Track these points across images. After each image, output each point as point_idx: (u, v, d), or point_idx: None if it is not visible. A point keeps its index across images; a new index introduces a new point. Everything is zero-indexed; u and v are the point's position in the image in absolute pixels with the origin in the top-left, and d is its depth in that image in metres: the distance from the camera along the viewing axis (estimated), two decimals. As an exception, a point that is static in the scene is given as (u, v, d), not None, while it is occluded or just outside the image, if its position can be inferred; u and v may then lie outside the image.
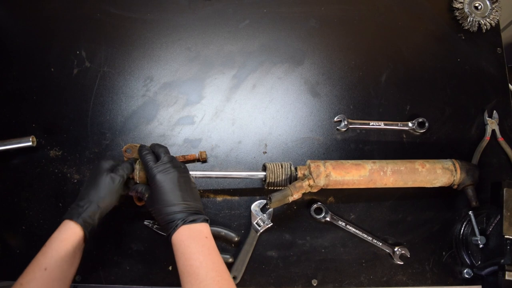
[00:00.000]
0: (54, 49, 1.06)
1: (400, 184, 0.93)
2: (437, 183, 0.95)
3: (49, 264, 0.69)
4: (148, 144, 0.87)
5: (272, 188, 0.92)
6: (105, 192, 0.77)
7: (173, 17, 1.11)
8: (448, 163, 0.95)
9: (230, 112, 1.05)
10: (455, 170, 0.94)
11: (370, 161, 0.93)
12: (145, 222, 0.94)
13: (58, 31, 1.08)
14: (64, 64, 1.05)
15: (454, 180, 0.94)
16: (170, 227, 0.74)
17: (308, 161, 0.92)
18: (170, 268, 0.92)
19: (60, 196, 0.95)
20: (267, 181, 0.90)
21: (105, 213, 0.79)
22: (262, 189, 0.97)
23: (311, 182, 0.88)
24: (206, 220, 0.77)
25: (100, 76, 1.05)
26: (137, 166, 0.84)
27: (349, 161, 0.93)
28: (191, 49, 1.09)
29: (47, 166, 0.98)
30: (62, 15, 1.09)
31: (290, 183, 0.89)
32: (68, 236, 0.73)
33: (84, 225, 0.74)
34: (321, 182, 0.89)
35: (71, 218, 0.74)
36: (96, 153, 0.99)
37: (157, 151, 0.83)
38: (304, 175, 0.90)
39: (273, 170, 0.90)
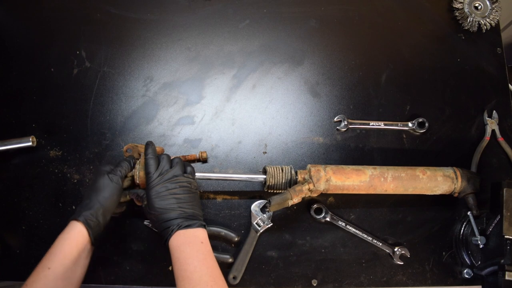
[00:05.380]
0: (54, 49, 1.06)
1: (400, 190, 0.93)
2: (438, 191, 0.95)
3: (53, 263, 0.70)
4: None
5: (272, 191, 0.92)
6: (104, 190, 0.78)
7: (173, 17, 1.11)
8: (449, 170, 0.95)
9: (230, 112, 1.05)
10: (456, 178, 0.93)
11: (371, 166, 0.93)
12: (145, 222, 0.94)
13: (58, 31, 1.08)
14: (64, 64, 1.05)
15: (455, 188, 0.94)
16: (166, 233, 0.75)
17: (309, 166, 0.91)
18: (170, 268, 0.92)
19: (60, 196, 0.96)
20: (267, 184, 0.90)
21: (108, 214, 0.79)
22: (262, 190, 0.97)
23: (311, 186, 0.88)
24: (203, 226, 0.77)
25: (100, 76, 1.05)
26: (137, 166, 0.84)
27: (349, 166, 0.93)
28: (191, 49, 1.09)
29: (47, 166, 0.98)
30: (62, 15, 1.09)
31: (290, 187, 0.89)
32: (72, 235, 0.73)
33: (86, 223, 0.74)
34: (321, 187, 0.89)
35: (74, 218, 0.75)
36: (96, 153, 0.99)
37: (160, 156, 0.83)
38: (304, 179, 0.90)
39: (273, 174, 0.90)
